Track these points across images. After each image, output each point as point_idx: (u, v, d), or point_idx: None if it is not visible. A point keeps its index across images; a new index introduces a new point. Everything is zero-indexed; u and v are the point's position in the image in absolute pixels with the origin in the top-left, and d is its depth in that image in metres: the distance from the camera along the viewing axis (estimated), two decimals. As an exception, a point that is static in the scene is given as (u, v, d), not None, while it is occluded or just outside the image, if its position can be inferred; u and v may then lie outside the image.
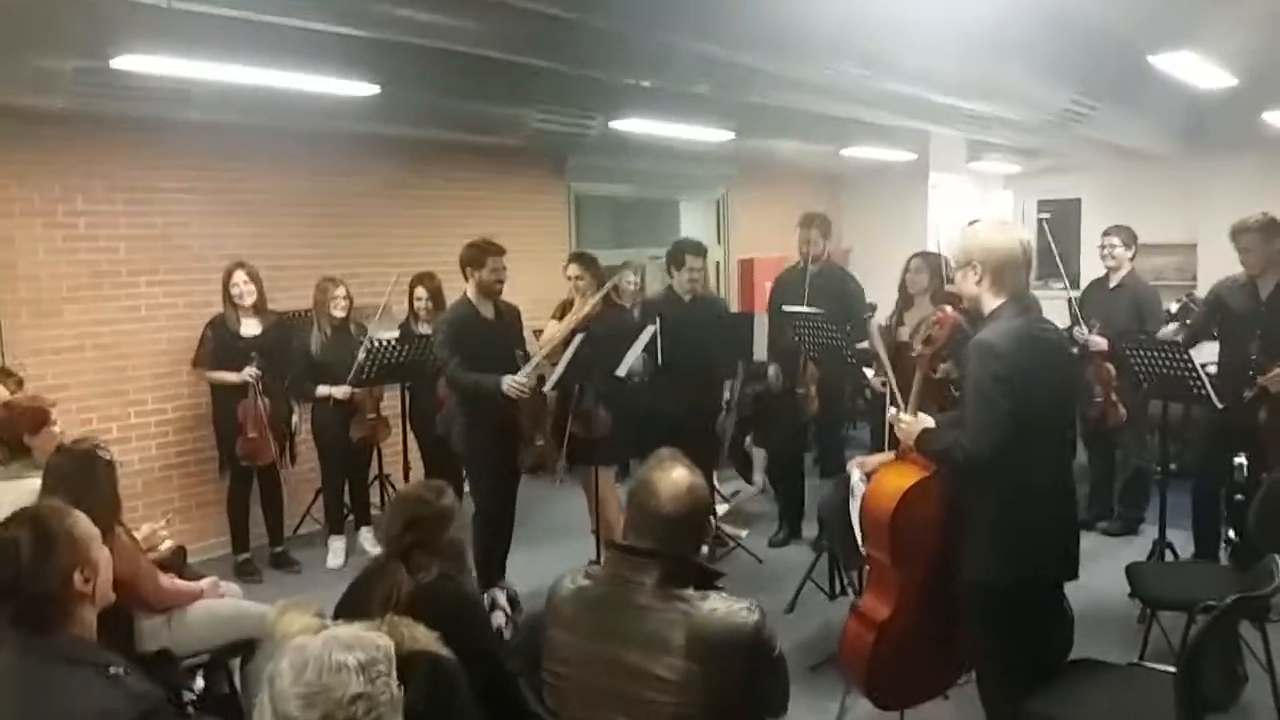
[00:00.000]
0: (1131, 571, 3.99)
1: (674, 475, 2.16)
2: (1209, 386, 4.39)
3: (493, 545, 4.84)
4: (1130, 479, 5.83)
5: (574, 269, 5.06)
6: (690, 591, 2.06)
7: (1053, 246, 5.59)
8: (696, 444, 5.21)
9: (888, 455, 3.36)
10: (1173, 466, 5.25)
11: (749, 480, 7.06)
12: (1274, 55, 6.47)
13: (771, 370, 5.75)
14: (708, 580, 2.13)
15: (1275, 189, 7.61)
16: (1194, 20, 5.51)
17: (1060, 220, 11.04)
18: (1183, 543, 5.03)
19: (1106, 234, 5.68)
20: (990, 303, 2.82)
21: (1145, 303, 5.55)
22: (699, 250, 5.43)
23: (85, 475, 3.13)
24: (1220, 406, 4.45)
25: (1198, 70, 6.20)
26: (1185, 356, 4.47)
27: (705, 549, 2.35)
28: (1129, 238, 5.60)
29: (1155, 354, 4.65)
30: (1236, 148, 8.41)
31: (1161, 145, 8.54)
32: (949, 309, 3.19)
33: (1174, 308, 6.12)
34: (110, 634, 2.51)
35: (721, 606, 2.05)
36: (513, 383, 4.46)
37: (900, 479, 3.03)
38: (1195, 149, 8.69)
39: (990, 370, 2.67)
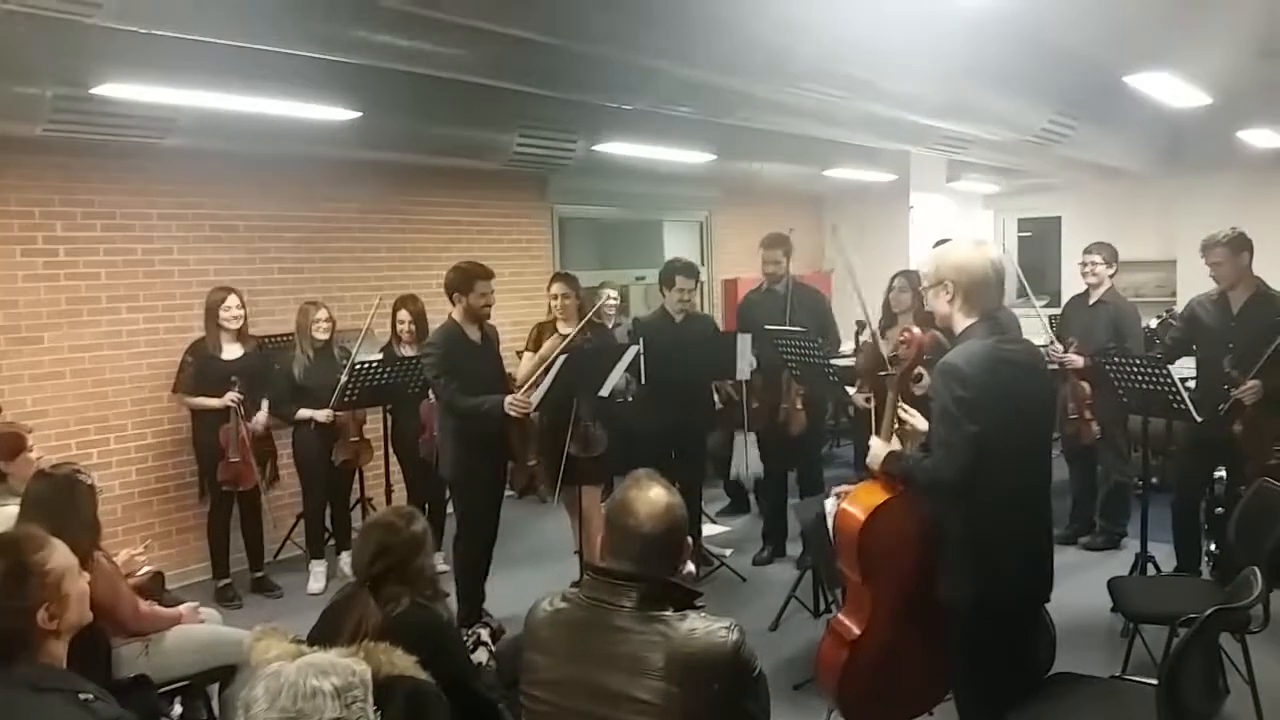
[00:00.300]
0: (1113, 586, 4.01)
1: (651, 495, 2.15)
2: (1188, 401, 4.41)
3: (479, 569, 4.82)
4: (1110, 493, 5.84)
5: (559, 288, 5.06)
6: (669, 612, 2.05)
7: (1020, 276, 5.58)
8: (686, 462, 5.29)
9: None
10: (1154, 481, 5.28)
11: (743, 508, 7.02)
12: (1246, 75, 6.58)
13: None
14: (687, 600, 2.11)
15: (1252, 206, 7.73)
16: (1168, 41, 5.60)
17: (1040, 238, 11.16)
18: (1164, 556, 5.05)
19: (1088, 251, 5.71)
20: (961, 322, 2.83)
21: (1124, 319, 5.57)
22: (689, 271, 5.46)
23: (66, 500, 3.11)
24: (1199, 420, 4.47)
25: (1173, 90, 6.28)
26: (1164, 371, 4.50)
27: (691, 567, 2.33)
28: (1110, 255, 5.63)
29: (1135, 369, 4.68)
30: (1213, 166, 8.52)
31: (1140, 164, 8.64)
32: (916, 330, 3.21)
33: (1154, 323, 6.17)
34: (87, 660, 2.49)
35: (700, 626, 2.03)
36: (514, 399, 4.47)
37: (870, 497, 3.05)
38: (1173, 167, 8.80)
39: (954, 392, 2.67)
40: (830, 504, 3.34)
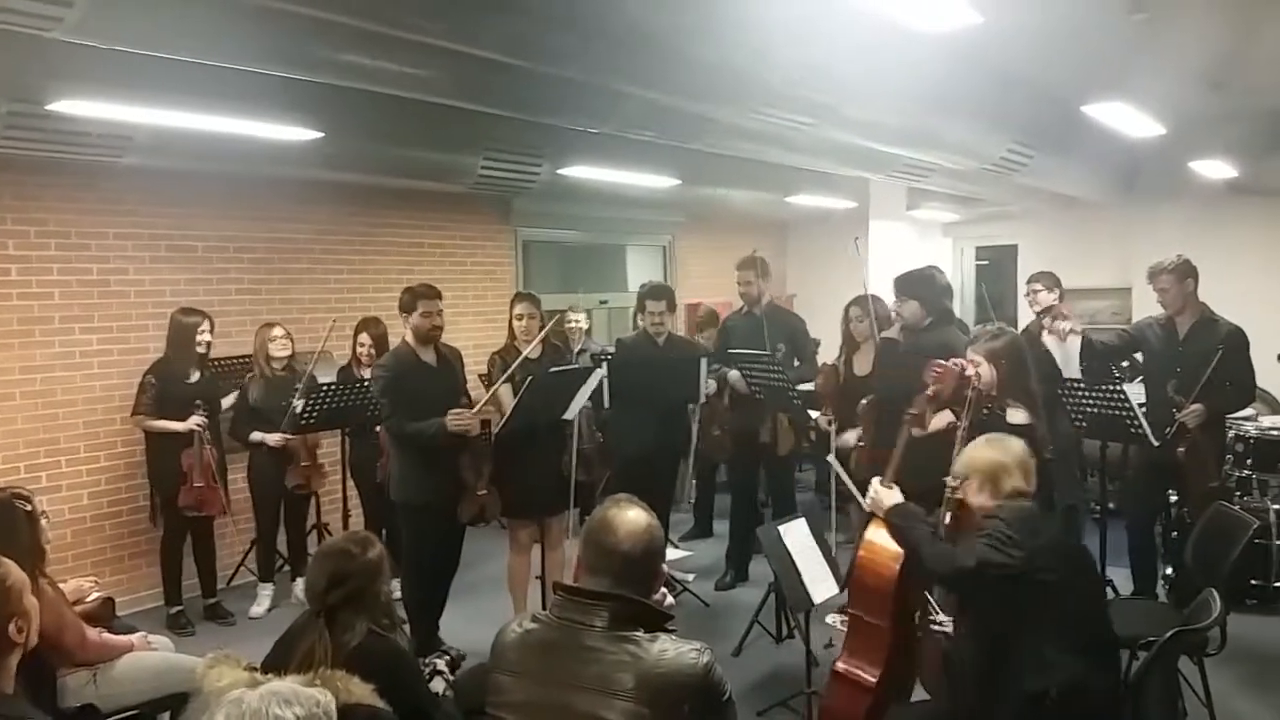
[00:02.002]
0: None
1: (631, 515, 2.16)
2: (1145, 424, 4.47)
3: (426, 600, 4.72)
4: (1062, 516, 5.85)
5: (523, 308, 4.99)
6: (639, 633, 2.04)
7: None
8: (660, 484, 5.27)
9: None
10: (1110, 505, 5.32)
11: (706, 532, 7.00)
12: (1198, 107, 6.72)
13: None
14: (658, 622, 2.10)
15: (1205, 234, 7.89)
16: (1125, 72, 5.70)
17: (997, 266, 11.29)
18: (1122, 580, 5.10)
19: (1030, 281, 5.75)
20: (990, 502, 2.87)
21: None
22: (656, 294, 5.46)
23: (4, 525, 3.03)
24: (1156, 444, 4.54)
25: (1129, 119, 6.39)
26: (1121, 395, 4.55)
27: (671, 599, 2.31)
28: (1052, 282, 5.67)
29: (1092, 394, 4.73)
30: (1168, 195, 8.69)
31: (1095, 193, 8.79)
32: (947, 362, 3.24)
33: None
34: (32, 689, 2.42)
35: (671, 648, 2.02)
36: (455, 416, 4.38)
37: (893, 545, 3.04)
38: (1129, 196, 8.96)
39: (1004, 537, 2.70)
40: (831, 619, 3.32)
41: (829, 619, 4.58)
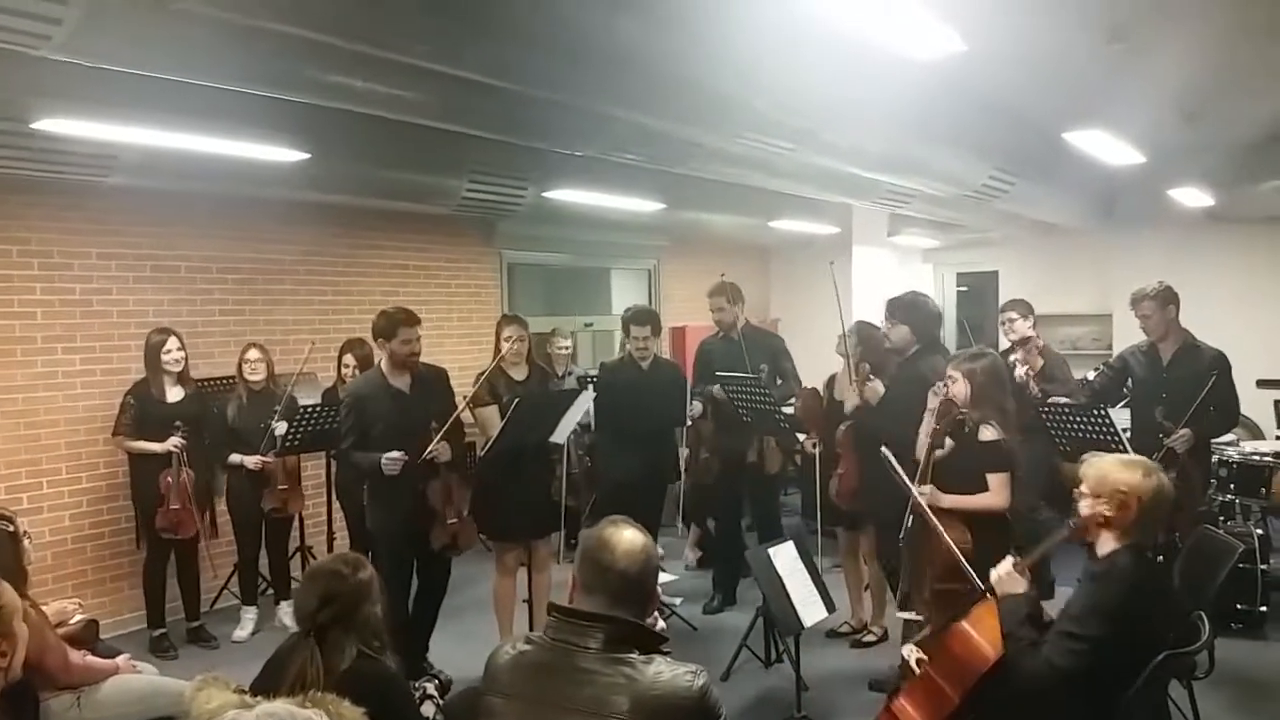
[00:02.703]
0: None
1: (628, 534, 2.15)
2: (1129, 448, 4.50)
3: (413, 625, 4.65)
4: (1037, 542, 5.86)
5: (513, 330, 4.96)
6: (635, 655, 2.03)
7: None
8: (646, 508, 5.24)
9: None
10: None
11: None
12: (1176, 136, 6.83)
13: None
14: (653, 644, 2.09)
15: (1183, 261, 8.00)
16: (1104, 100, 5.79)
17: (978, 292, 11.40)
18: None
19: (1004, 309, 5.78)
20: (1109, 543, 2.83)
21: (1053, 369, 5.66)
22: (641, 319, 5.45)
23: (-16, 547, 2.99)
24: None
25: (1108, 147, 6.48)
26: (1105, 417, 4.58)
27: (662, 623, 2.29)
28: (1025, 309, 5.69)
29: (1075, 418, 4.76)
30: (1147, 222, 8.81)
31: (1075, 220, 8.89)
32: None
33: (1091, 375, 6.30)
34: (14, 712, 2.38)
35: (666, 670, 2.01)
36: (389, 460, 4.33)
37: (998, 630, 2.97)
38: (1108, 224, 9.08)
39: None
40: (908, 650, 3.28)
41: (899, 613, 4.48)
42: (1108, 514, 2.79)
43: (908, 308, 4.75)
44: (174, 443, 5.16)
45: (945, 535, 3.51)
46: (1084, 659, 2.65)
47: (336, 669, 2.53)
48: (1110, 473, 2.82)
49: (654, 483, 5.43)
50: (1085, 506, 2.84)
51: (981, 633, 3.00)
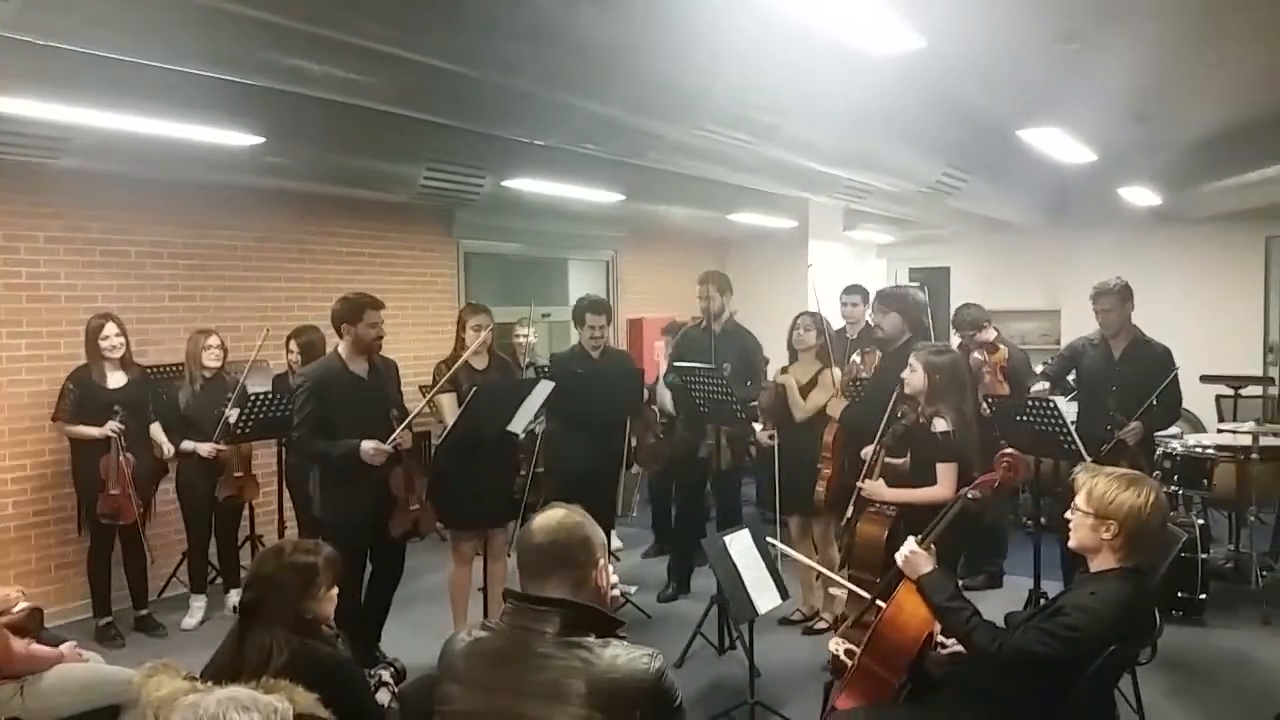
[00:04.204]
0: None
1: (549, 512, 2.19)
2: (1078, 441, 4.59)
3: (360, 614, 4.56)
4: (983, 533, 5.97)
5: (480, 320, 4.91)
6: (591, 639, 2.03)
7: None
8: (598, 498, 5.24)
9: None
10: (1042, 520, 5.44)
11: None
12: (1126, 136, 6.97)
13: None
14: (609, 628, 2.10)
15: (1131, 258, 8.15)
16: (1057, 99, 5.89)
17: (930, 288, 11.49)
18: (1055, 593, 5.19)
19: (962, 330, 5.91)
20: (1109, 560, 2.75)
21: (1020, 370, 5.78)
22: (597, 308, 5.46)
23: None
24: (1088, 459, 4.64)
25: (1062, 146, 6.59)
26: (1055, 411, 4.66)
27: (616, 582, 2.30)
28: (983, 315, 5.84)
29: (1024, 411, 4.84)
30: (1096, 221, 8.98)
31: (1027, 218, 9.03)
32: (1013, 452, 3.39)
33: (1039, 369, 6.41)
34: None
35: (623, 654, 2.02)
36: (376, 449, 4.30)
37: (924, 611, 3.01)
38: (1058, 221, 9.24)
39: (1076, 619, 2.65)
40: (834, 645, 3.31)
41: (833, 590, 4.53)
42: (1098, 532, 2.72)
43: (899, 298, 4.88)
44: (112, 427, 5.06)
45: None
46: (1053, 658, 2.65)
47: (273, 652, 2.51)
48: (1097, 488, 2.75)
49: (605, 473, 5.43)
50: (1075, 521, 2.80)
51: (904, 616, 3.07)
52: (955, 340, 6.08)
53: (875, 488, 4.08)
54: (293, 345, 5.67)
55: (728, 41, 4.24)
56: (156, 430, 5.34)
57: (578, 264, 9.59)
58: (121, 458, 5.11)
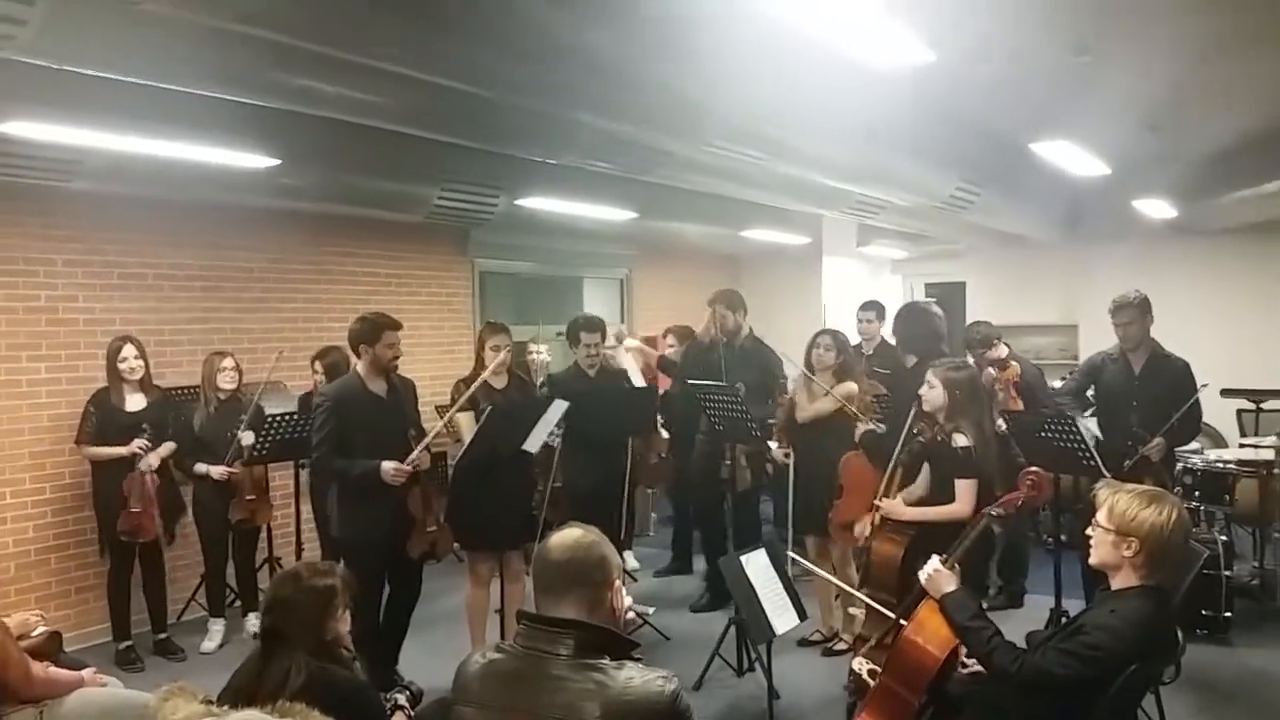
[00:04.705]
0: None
1: (565, 532, 2.18)
2: (1097, 457, 4.54)
3: (377, 636, 4.58)
4: (1006, 551, 5.93)
5: (500, 339, 4.93)
6: (605, 661, 2.02)
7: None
8: (605, 516, 5.23)
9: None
10: (1063, 538, 5.39)
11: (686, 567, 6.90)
12: (1140, 148, 6.92)
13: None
14: (624, 650, 2.09)
15: (1148, 272, 8.08)
16: (1070, 112, 5.86)
17: (945, 303, 11.46)
18: (1077, 612, 5.14)
19: (973, 346, 5.85)
20: (1129, 578, 2.72)
21: (1035, 385, 5.73)
22: (592, 326, 5.47)
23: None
24: (1107, 476, 4.60)
25: (1074, 158, 6.55)
26: (1074, 428, 4.62)
27: (628, 601, 2.29)
28: (994, 332, 5.83)
29: (1044, 427, 4.80)
30: (1112, 234, 8.92)
31: (1042, 232, 8.98)
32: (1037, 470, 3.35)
33: (1058, 385, 6.37)
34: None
35: (638, 676, 2.00)
36: (396, 470, 4.31)
37: (944, 631, 2.99)
38: (1074, 235, 9.18)
39: (1095, 638, 2.62)
40: (857, 664, 3.30)
41: (852, 610, 4.52)
42: (1119, 550, 2.68)
43: (919, 315, 5.03)
44: (138, 444, 5.10)
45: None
46: (1074, 678, 2.62)
47: (291, 675, 2.50)
48: (1118, 505, 2.71)
49: (609, 491, 5.42)
50: (1096, 539, 2.76)
51: (926, 636, 3.04)
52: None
53: (893, 506, 4.05)
54: (318, 366, 5.70)
55: (736, 58, 4.24)
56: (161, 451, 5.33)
57: (592, 282, 9.60)
58: (148, 476, 5.13)
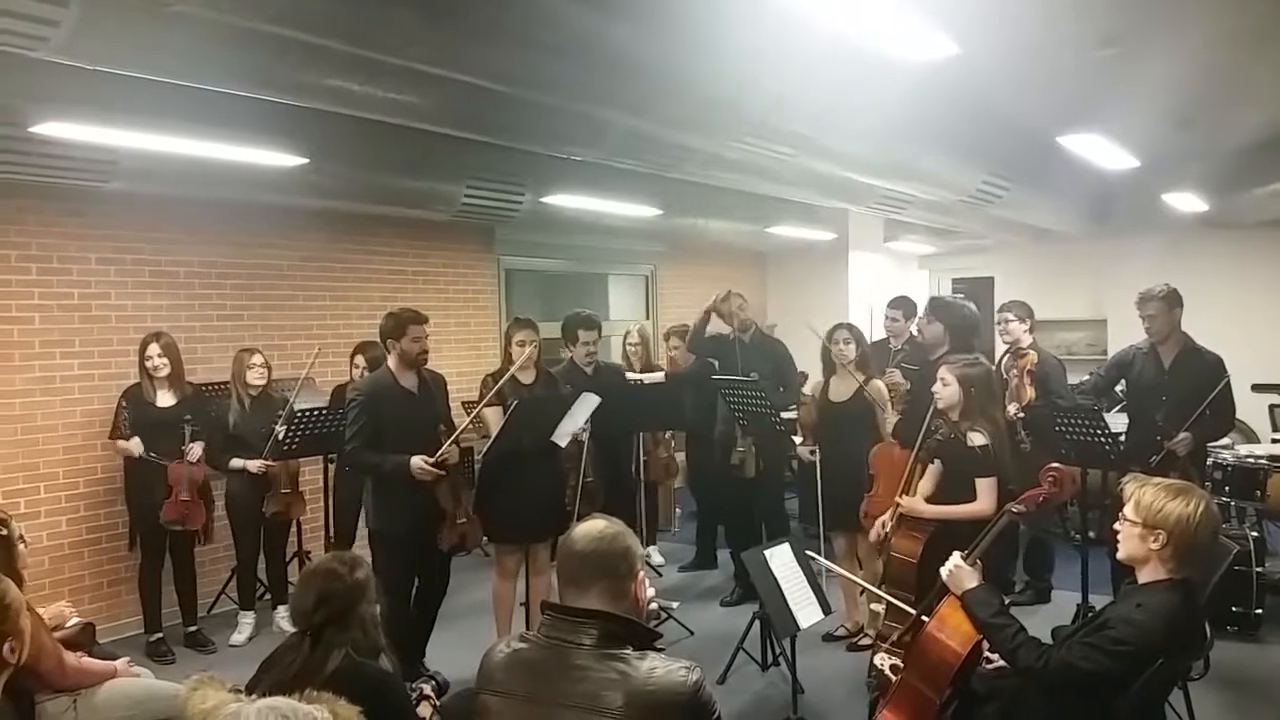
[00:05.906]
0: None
1: (589, 523, 2.20)
2: (1119, 449, 4.51)
3: (407, 627, 4.60)
4: (1031, 547, 5.88)
5: (526, 334, 4.93)
6: (628, 651, 2.03)
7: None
8: (615, 512, 5.25)
9: None
10: (1090, 534, 5.35)
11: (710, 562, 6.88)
12: (1169, 142, 6.86)
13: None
14: (647, 640, 2.10)
15: (1178, 266, 7.99)
16: (1097, 104, 5.81)
17: (973, 298, 11.36)
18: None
19: (1001, 309, 5.79)
20: (1157, 570, 2.69)
21: (1050, 376, 5.67)
22: (589, 324, 5.49)
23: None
24: (1137, 470, 4.56)
25: (1103, 151, 6.50)
26: (1100, 422, 4.59)
27: (652, 594, 2.30)
28: (1024, 312, 5.70)
29: (1071, 421, 4.77)
30: (1141, 228, 8.84)
31: (1070, 225, 8.92)
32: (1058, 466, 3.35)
33: (1085, 379, 6.32)
34: (9, 715, 2.38)
35: (660, 666, 2.02)
36: (424, 465, 4.34)
37: (966, 627, 2.98)
38: (1103, 229, 9.10)
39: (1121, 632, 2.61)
40: (880, 660, 3.31)
41: (874, 606, 4.53)
42: (1146, 543, 2.66)
43: (948, 308, 4.86)
44: (193, 452, 5.23)
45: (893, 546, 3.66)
46: (1099, 673, 2.61)
47: (330, 668, 2.54)
48: (1144, 497, 2.69)
49: (619, 488, 5.42)
50: (1123, 532, 2.74)
51: (948, 632, 3.04)
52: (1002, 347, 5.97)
53: (913, 503, 4.04)
54: (358, 360, 5.78)
55: (761, 53, 4.25)
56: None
57: (618, 279, 9.62)
58: (196, 466, 5.23)
